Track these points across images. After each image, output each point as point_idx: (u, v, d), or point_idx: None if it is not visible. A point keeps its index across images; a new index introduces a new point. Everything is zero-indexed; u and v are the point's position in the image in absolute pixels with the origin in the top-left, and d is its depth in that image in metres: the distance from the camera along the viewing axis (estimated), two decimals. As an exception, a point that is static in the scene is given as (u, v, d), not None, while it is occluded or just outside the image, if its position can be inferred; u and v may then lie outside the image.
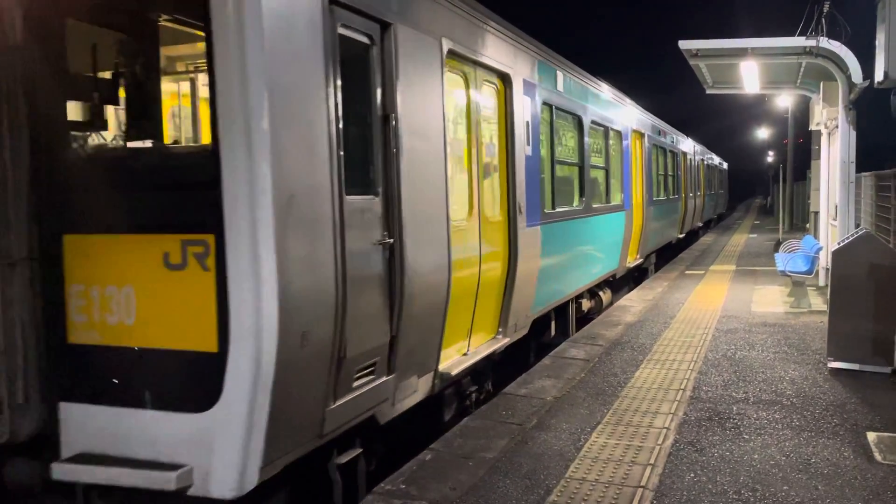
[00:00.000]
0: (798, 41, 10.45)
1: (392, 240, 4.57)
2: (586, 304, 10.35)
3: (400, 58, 4.68)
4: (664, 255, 18.57)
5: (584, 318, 10.23)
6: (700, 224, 26.19)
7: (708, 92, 14.69)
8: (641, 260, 14.15)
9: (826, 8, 10.80)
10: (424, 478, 4.62)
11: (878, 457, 4.84)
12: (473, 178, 6.11)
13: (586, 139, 9.67)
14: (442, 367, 5.51)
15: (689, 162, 22.08)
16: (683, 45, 10.90)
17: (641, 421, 5.61)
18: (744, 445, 5.08)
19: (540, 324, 8.22)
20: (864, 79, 9.79)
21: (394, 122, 4.60)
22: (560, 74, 8.64)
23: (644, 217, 13.81)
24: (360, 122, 4.52)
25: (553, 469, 4.71)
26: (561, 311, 9.16)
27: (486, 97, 6.53)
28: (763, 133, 56.78)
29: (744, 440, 5.19)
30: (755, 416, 5.72)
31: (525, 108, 7.17)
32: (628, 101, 13.01)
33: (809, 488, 4.37)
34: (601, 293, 11.04)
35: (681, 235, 20.54)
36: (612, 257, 11.39)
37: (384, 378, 4.63)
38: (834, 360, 7.05)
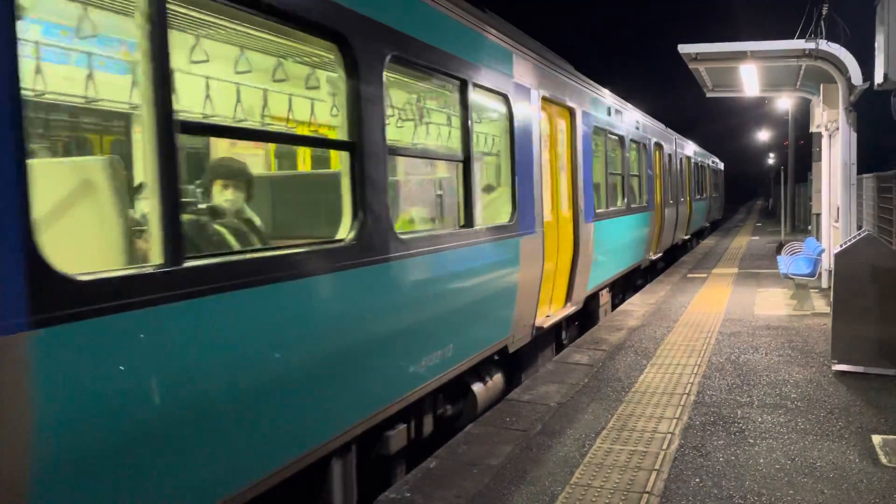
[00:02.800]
0: (797, 44, 10.47)
1: None
2: (424, 424, 5.48)
3: None
4: (633, 279, 14.34)
5: (444, 433, 5.81)
6: (686, 236, 21.79)
7: (708, 95, 14.71)
8: (577, 307, 9.11)
9: (825, 10, 10.82)
10: (429, 486, 4.62)
11: (883, 460, 4.82)
12: None
13: (370, 89, 4.34)
14: None
15: (667, 159, 17.53)
16: (683, 49, 10.93)
17: (646, 426, 5.60)
18: (749, 450, 5.07)
19: None
20: (864, 81, 9.80)
21: None
22: None
23: (581, 240, 8.82)
24: None
25: (558, 475, 4.71)
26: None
27: None
28: (764, 135, 56.97)
29: (749, 444, 5.18)
30: (760, 419, 5.71)
31: None
32: (535, 45, 7.74)
33: (815, 492, 4.36)
34: (478, 383, 6.28)
35: (654, 256, 15.55)
36: (491, 326, 6.33)
37: None
38: (838, 363, 7.03)
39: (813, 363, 7.43)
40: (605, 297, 11.03)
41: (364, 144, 4.30)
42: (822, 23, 10.65)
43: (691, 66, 11.62)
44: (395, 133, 5.66)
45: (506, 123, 6.76)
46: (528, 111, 7.18)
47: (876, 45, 6.71)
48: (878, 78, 6.64)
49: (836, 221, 11.27)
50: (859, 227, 10.93)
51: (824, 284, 12.20)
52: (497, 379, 6.68)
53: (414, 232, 5.21)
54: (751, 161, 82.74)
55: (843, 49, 10.11)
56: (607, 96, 11.11)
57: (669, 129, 18.83)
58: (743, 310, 10.68)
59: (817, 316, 10.00)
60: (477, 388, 6.22)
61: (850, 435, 5.32)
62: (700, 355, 7.87)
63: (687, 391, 6.51)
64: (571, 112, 8.81)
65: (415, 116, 6.66)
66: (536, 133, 7.34)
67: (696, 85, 13.90)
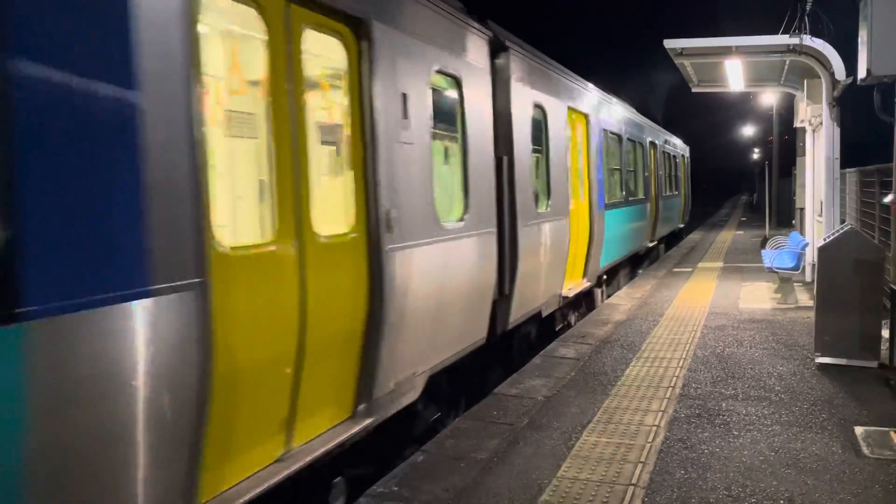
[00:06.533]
0: (781, 39, 10.52)
1: None
2: None
3: None
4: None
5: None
6: (595, 276, 11.41)
7: (693, 90, 14.76)
8: None
9: (809, 6, 10.88)
10: (416, 479, 4.62)
11: (865, 451, 4.88)
12: None
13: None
14: None
15: (518, 118, 7.39)
16: (668, 44, 10.95)
17: (632, 419, 5.63)
18: (733, 441, 5.12)
19: None
20: (848, 76, 9.88)
21: None
22: None
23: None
24: None
25: (545, 468, 4.73)
26: None
27: None
28: (749, 130, 57.33)
29: (733, 436, 5.22)
30: (744, 412, 5.76)
31: None
32: None
33: (798, 483, 4.40)
34: None
35: (486, 338, 6.78)
36: None
37: None
38: (821, 356, 7.11)
39: (796, 356, 7.50)
40: None
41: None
42: (806, 18, 10.72)
43: (677, 60, 11.65)
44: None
45: None
46: None
47: (859, 40, 6.75)
48: (861, 73, 6.67)
49: (820, 216, 11.36)
50: (842, 221, 11.04)
51: (808, 278, 12.30)
52: None
53: None
54: (735, 156, 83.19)
55: (827, 44, 10.17)
56: None
57: (545, 57, 8.80)
58: (728, 303, 10.76)
59: (801, 309, 10.09)
60: None
61: (832, 427, 5.38)
62: (685, 349, 7.92)
63: (672, 384, 6.55)
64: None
65: None
66: None
67: (682, 79, 13.95)
